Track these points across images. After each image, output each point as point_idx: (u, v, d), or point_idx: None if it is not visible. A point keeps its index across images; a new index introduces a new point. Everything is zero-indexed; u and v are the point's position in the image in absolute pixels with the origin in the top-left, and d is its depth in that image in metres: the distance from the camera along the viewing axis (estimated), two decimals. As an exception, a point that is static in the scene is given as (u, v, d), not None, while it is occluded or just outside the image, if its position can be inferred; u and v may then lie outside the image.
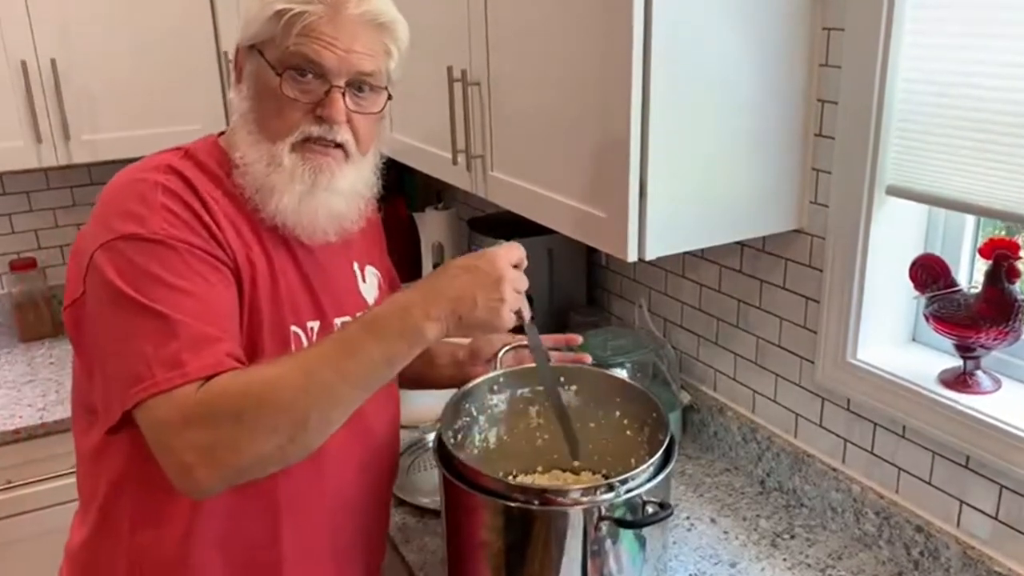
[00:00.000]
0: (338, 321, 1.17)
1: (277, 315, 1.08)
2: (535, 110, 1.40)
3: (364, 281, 1.27)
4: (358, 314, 1.21)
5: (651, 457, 1.11)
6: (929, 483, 1.28)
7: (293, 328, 1.11)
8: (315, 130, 1.05)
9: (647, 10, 1.14)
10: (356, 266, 1.25)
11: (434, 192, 2.42)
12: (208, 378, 0.92)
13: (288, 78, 1.04)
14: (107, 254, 0.97)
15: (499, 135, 1.54)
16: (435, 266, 2.30)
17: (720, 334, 1.64)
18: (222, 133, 1.15)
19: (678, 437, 1.71)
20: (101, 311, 0.97)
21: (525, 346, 1.35)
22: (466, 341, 1.38)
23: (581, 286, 2.02)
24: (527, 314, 1.08)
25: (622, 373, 1.65)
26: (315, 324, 1.14)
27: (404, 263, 2.39)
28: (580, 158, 1.31)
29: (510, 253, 1.03)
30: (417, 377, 1.31)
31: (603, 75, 1.21)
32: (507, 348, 1.33)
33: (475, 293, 0.98)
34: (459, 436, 1.28)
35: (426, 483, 1.62)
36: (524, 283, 1.04)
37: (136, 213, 0.98)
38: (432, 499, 1.54)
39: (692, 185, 1.26)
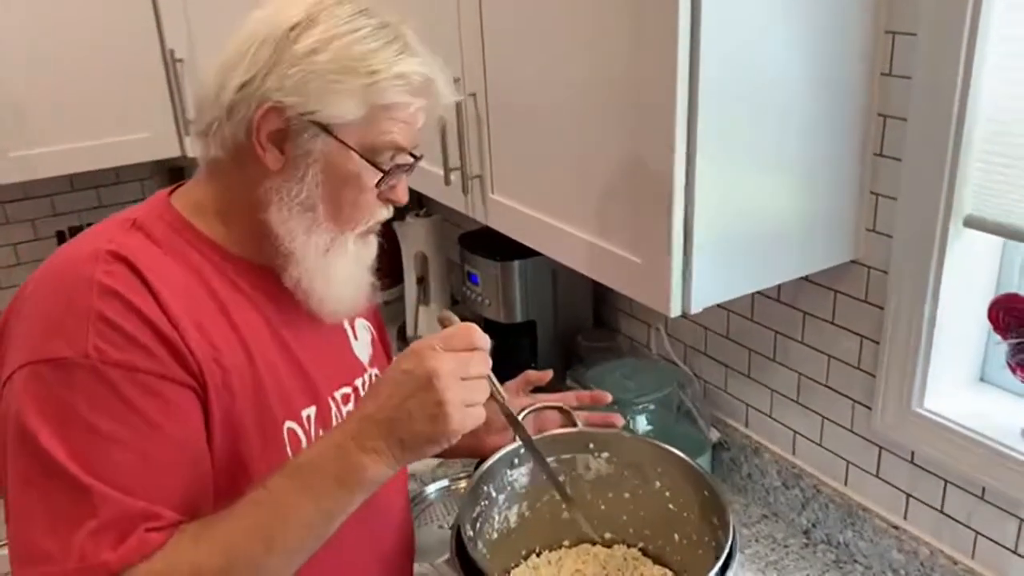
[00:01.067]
0: (337, 395, 1.00)
1: (264, 415, 0.90)
2: (544, 124, 1.19)
3: (356, 339, 1.10)
4: (357, 381, 1.05)
5: (711, 551, 0.95)
6: (1015, 552, 1.13)
7: (287, 425, 0.93)
8: (384, 214, 0.96)
9: (695, 7, 0.93)
10: (346, 323, 1.08)
11: (415, 197, 2.19)
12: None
13: (393, 175, 0.91)
14: (28, 381, 0.78)
15: (500, 153, 1.33)
16: (419, 280, 2.10)
17: (753, 366, 1.47)
18: (173, 190, 0.94)
19: (706, 479, 1.54)
20: (12, 449, 0.78)
21: (548, 407, 1.18)
22: None
23: (587, 306, 1.83)
24: (502, 395, 0.93)
25: (646, 421, 1.48)
26: (311, 411, 0.96)
27: (384, 278, 2.18)
28: (602, 187, 1.11)
29: (450, 339, 0.82)
30: None
31: (635, 86, 1.00)
32: (526, 412, 1.15)
33: (406, 405, 0.78)
34: (479, 524, 1.10)
35: (428, 538, 1.46)
36: (481, 366, 0.83)
37: (64, 327, 0.78)
38: (432, 563, 1.38)
39: (742, 219, 1.07)
